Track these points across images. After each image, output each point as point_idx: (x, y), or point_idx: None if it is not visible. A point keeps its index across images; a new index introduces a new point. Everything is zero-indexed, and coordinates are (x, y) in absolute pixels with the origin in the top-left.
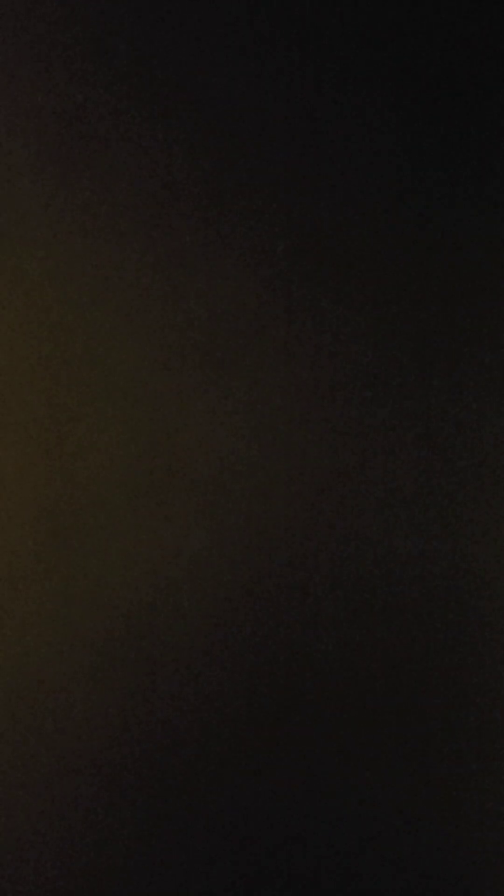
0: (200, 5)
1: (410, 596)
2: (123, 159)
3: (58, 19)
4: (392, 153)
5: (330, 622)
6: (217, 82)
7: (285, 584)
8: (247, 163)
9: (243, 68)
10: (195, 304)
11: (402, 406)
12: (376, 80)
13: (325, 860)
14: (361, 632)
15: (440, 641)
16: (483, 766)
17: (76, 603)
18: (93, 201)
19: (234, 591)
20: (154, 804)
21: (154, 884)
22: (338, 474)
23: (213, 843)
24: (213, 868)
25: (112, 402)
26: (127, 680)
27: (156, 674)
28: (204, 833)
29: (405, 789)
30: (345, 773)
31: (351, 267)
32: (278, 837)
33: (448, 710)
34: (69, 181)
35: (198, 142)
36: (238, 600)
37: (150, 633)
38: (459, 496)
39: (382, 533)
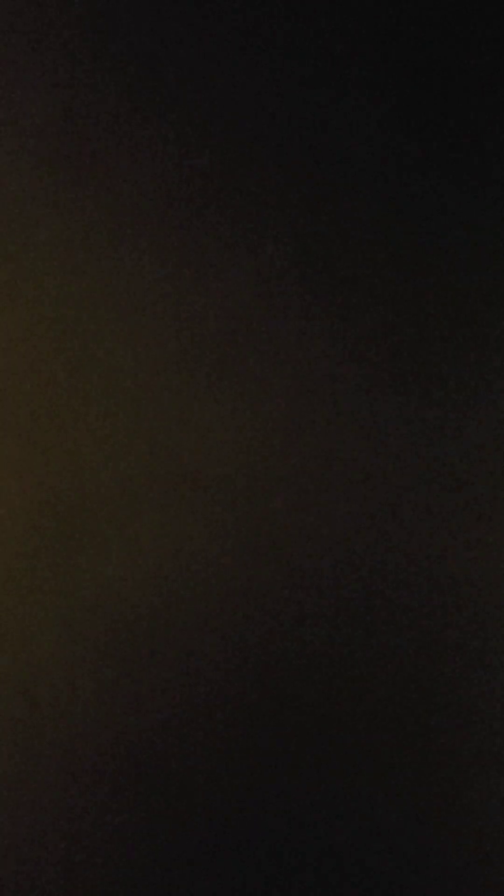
0: (201, 4)
1: (413, 597)
2: (125, 160)
3: (58, 19)
4: (396, 156)
5: (332, 622)
6: (219, 82)
7: (288, 585)
8: (250, 164)
9: (244, 68)
10: (197, 305)
11: (405, 408)
12: (381, 76)
13: (326, 861)
14: (364, 632)
15: (443, 643)
16: (485, 767)
17: (76, 603)
18: (94, 203)
19: (235, 591)
20: (156, 805)
21: (154, 884)
22: (340, 476)
23: (213, 843)
24: (214, 868)
25: (113, 403)
26: (128, 679)
27: (157, 674)
28: (205, 833)
29: (406, 791)
30: (346, 774)
31: (354, 270)
32: (279, 838)
33: (450, 712)
34: (69, 182)
35: (200, 143)
36: (240, 600)
37: (152, 634)
38: (463, 497)
39: (385, 533)
